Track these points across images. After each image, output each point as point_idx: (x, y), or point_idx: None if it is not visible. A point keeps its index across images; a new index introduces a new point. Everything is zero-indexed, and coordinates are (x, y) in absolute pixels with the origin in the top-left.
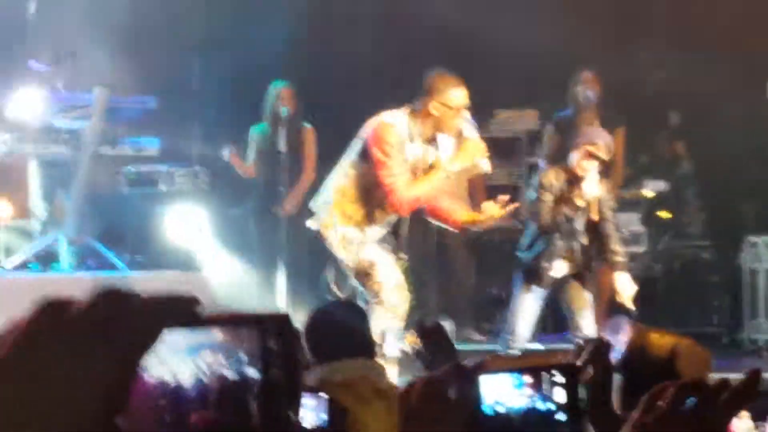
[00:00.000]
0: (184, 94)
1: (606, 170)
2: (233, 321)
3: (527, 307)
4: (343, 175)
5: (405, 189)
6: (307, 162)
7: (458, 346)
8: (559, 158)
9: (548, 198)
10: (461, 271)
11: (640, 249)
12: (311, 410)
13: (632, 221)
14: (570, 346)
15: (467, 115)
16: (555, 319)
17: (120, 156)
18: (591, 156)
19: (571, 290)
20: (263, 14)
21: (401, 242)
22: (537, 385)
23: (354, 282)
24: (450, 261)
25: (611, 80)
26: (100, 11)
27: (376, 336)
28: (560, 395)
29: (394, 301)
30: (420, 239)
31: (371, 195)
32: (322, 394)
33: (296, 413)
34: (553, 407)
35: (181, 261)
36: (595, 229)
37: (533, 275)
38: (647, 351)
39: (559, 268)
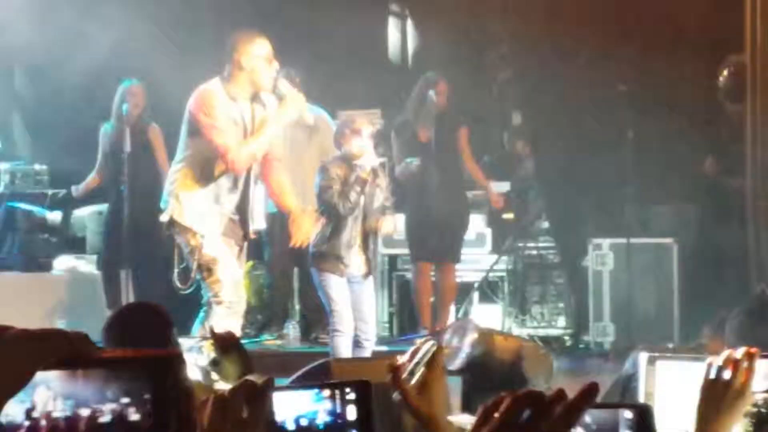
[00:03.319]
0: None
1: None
2: (119, 363)
3: (340, 296)
4: (179, 159)
5: (238, 147)
6: (161, 165)
7: (308, 349)
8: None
9: (336, 185)
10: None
11: (484, 251)
12: None
13: (477, 223)
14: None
15: (276, 67)
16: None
17: None
18: (356, 132)
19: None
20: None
21: (247, 228)
22: (333, 401)
23: (197, 275)
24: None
25: (456, 80)
26: None
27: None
28: (352, 412)
29: (231, 298)
30: (275, 241)
31: (210, 166)
32: None
33: None
34: (347, 422)
35: (27, 262)
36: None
37: (331, 265)
38: (492, 354)
39: (355, 261)
